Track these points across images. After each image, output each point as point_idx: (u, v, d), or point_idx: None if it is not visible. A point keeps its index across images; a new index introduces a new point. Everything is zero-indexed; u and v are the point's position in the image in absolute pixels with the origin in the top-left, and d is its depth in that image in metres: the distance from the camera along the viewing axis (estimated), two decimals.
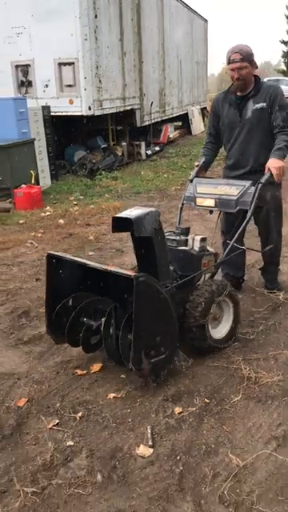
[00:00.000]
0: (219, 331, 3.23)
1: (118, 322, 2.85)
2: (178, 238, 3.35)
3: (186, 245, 3.34)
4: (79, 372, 3.06)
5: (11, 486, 2.18)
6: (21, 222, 6.98)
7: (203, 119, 19.39)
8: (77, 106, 9.79)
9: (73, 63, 9.60)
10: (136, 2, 11.74)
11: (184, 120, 18.16)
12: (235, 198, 3.42)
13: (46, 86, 9.91)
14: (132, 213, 2.81)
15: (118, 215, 2.86)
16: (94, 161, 10.60)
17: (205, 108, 20.98)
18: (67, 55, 9.54)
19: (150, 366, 2.68)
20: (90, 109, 9.79)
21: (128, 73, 11.54)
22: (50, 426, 2.56)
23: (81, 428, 2.54)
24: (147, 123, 13.13)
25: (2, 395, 2.85)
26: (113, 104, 10.79)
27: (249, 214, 3.39)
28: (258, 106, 3.62)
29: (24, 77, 10.08)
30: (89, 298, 3.05)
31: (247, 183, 3.44)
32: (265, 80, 3.69)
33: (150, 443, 2.40)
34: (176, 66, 16.00)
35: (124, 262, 5.13)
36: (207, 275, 3.35)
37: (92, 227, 6.66)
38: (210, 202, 3.57)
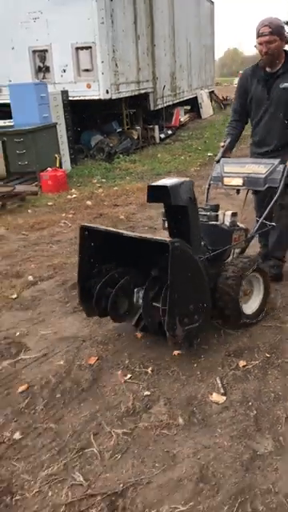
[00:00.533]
0: (250, 306, 3.26)
1: (151, 292, 2.87)
2: (208, 213, 3.37)
3: (216, 220, 3.37)
4: (139, 335, 3.24)
5: (101, 428, 2.38)
6: (49, 204, 7.14)
7: (211, 103, 19.42)
8: (94, 90, 9.89)
9: (90, 47, 9.68)
10: None
11: (193, 104, 18.19)
12: (264, 175, 3.44)
13: (64, 70, 10.00)
14: (167, 181, 2.81)
15: (153, 184, 2.86)
16: (111, 145, 10.72)
17: (212, 92, 21.00)
18: (84, 39, 9.62)
19: (184, 333, 2.70)
20: (107, 92, 9.89)
21: (142, 56, 11.61)
22: (124, 379, 2.75)
23: (153, 380, 2.73)
24: (160, 107, 13.20)
25: (71, 355, 3.05)
26: (128, 88, 10.88)
27: (278, 191, 3.38)
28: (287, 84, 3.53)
29: (41, 62, 10.17)
30: (120, 269, 3.05)
31: (276, 161, 3.47)
32: None
33: (222, 391, 2.59)
34: (185, 49, 16.01)
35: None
36: (237, 251, 3.40)
37: (120, 207, 6.82)
38: (238, 181, 3.58)
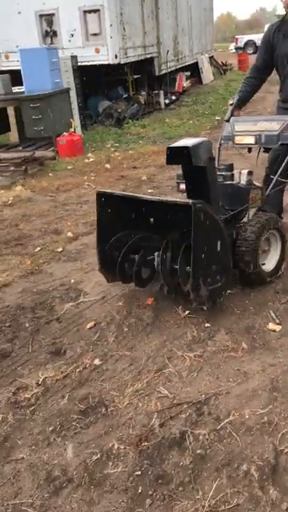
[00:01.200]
0: (268, 264, 3.31)
1: (173, 254, 2.91)
2: (224, 173, 3.33)
3: (232, 179, 3.34)
4: None
5: (173, 353, 2.65)
6: (69, 167, 7.29)
7: (211, 68, 19.30)
8: (103, 54, 9.90)
9: (98, 10, 9.65)
10: None
11: (193, 69, 18.07)
12: (277, 132, 3.40)
13: (72, 35, 9.98)
14: (188, 141, 2.80)
15: (173, 145, 2.84)
16: (119, 110, 10.78)
17: (212, 57, 20.81)
18: (92, 2, 9.58)
19: (208, 293, 2.78)
20: (116, 57, 9.91)
21: (147, 20, 11.55)
22: (184, 314, 3.01)
23: (211, 315, 2.99)
24: (164, 72, 13.17)
25: (129, 297, 3.28)
26: (135, 52, 10.88)
27: None
28: None
29: (48, 27, 10.13)
30: (139, 235, 3.06)
31: None
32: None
33: (277, 321, 2.86)
34: (186, 13, 15.82)
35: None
36: (253, 209, 3.37)
37: (139, 170, 6.98)
38: (250, 139, 3.53)
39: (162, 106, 12.87)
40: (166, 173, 6.60)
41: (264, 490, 1.81)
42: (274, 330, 2.79)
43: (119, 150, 8.38)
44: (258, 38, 35.01)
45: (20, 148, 7.87)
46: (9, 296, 3.48)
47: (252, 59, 23.30)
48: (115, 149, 8.46)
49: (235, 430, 2.09)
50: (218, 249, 2.82)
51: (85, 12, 9.72)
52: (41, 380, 2.54)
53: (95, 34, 9.86)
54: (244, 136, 3.57)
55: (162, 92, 12.97)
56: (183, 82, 15.48)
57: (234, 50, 34.53)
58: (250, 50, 30.91)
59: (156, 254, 3.00)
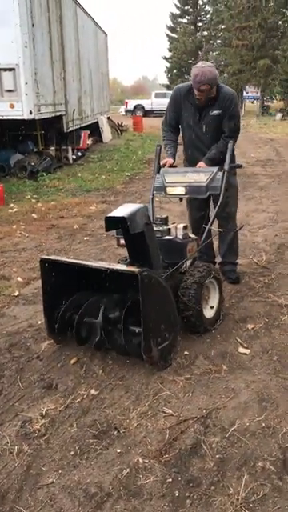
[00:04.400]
0: (208, 311, 3.46)
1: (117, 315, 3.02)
2: (160, 228, 3.45)
3: (169, 234, 3.48)
4: None
5: (164, 379, 2.90)
6: None
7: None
8: (18, 110, 10.16)
9: (13, 69, 9.99)
10: (59, 14, 12.39)
11: (92, 129, 18.96)
12: (205, 183, 3.64)
13: None
14: (123, 211, 2.86)
15: (110, 215, 2.89)
16: (32, 163, 11.01)
17: (109, 117, 22.01)
18: (8, 61, 9.92)
19: (159, 352, 2.86)
20: (31, 113, 10.22)
21: (56, 80, 12.12)
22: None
23: (186, 344, 3.28)
24: (71, 129, 13.75)
25: None
26: (47, 109, 11.31)
27: (221, 197, 3.61)
28: (216, 112, 3.90)
29: None
30: (86, 297, 3.14)
31: (214, 169, 3.67)
32: (221, 85, 3.94)
33: (245, 345, 3.25)
34: (88, 77, 16.80)
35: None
36: (189, 261, 3.53)
37: (67, 219, 7.23)
38: (181, 190, 3.75)
39: (71, 161, 13.34)
40: (95, 222, 6.93)
41: (283, 480, 2.11)
42: (245, 353, 3.17)
43: (41, 201, 8.56)
44: (146, 103, 37.85)
45: None
46: None
47: (145, 121, 25.03)
48: (36, 200, 8.62)
49: (242, 436, 2.38)
50: (165, 309, 2.94)
51: (0, 70, 10.00)
52: (44, 412, 2.63)
53: (10, 91, 10.15)
54: (175, 187, 3.79)
55: (70, 148, 13.48)
56: (87, 139, 16.18)
57: (124, 113, 36.80)
58: (139, 113, 33.10)
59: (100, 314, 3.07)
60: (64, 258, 3.24)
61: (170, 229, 3.50)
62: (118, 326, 2.96)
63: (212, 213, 3.95)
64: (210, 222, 3.80)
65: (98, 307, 3.10)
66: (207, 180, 3.64)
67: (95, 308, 3.10)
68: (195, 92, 3.82)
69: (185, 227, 3.49)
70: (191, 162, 4.15)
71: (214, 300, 3.53)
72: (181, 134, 4.22)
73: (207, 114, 3.95)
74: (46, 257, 3.15)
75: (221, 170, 3.66)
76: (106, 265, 3.03)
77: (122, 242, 3.29)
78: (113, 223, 2.92)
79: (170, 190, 3.79)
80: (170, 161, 4.01)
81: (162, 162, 4.02)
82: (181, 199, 4.04)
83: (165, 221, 3.56)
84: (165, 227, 3.49)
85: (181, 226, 3.48)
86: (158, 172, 3.92)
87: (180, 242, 3.43)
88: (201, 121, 3.99)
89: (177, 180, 3.77)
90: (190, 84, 3.89)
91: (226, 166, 3.65)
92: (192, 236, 3.58)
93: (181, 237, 3.45)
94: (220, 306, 3.58)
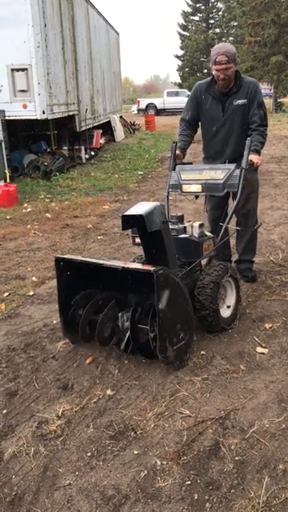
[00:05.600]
0: (225, 311, 3.42)
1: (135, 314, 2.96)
2: (176, 226, 3.41)
3: (185, 232, 3.43)
4: None
5: (180, 379, 2.85)
6: (8, 217, 7.33)
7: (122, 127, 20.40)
8: (31, 110, 10.19)
9: (26, 69, 10.02)
10: (71, 13, 12.40)
11: (104, 128, 18.96)
12: (222, 181, 3.55)
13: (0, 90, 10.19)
14: (140, 209, 2.86)
15: (127, 213, 2.92)
16: (45, 163, 11.03)
17: (121, 116, 22.01)
18: (20, 61, 9.95)
19: (174, 352, 2.85)
20: (43, 113, 10.24)
21: (69, 80, 12.13)
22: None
23: (202, 344, 3.24)
24: (84, 128, 13.75)
25: None
26: (60, 109, 11.32)
27: (238, 195, 3.52)
28: (240, 102, 3.83)
29: None
30: (103, 295, 3.13)
31: (231, 166, 3.60)
32: (243, 76, 3.90)
33: (264, 345, 3.19)
34: (100, 76, 16.81)
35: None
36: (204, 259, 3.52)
37: (81, 219, 7.22)
38: (197, 188, 3.66)
39: (84, 160, 13.35)
40: (109, 221, 6.91)
41: None
42: (263, 353, 3.11)
43: (54, 200, 8.56)
44: (158, 102, 37.78)
45: None
46: None
47: (157, 120, 24.95)
48: (50, 200, 8.63)
49: (262, 437, 2.33)
50: (181, 308, 2.91)
51: (13, 70, 10.03)
52: (60, 413, 2.60)
53: (23, 91, 10.17)
54: (191, 184, 3.70)
55: (83, 147, 13.49)
56: (100, 138, 16.17)
57: (136, 112, 36.77)
58: (151, 112, 33.00)
59: (120, 314, 3.08)
60: (79, 257, 3.21)
61: (185, 227, 3.45)
62: (141, 327, 2.93)
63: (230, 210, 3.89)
64: (226, 220, 3.75)
65: (116, 307, 3.08)
66: (224, 177, 3.56)
67: (113, 308, 3.07)
68: (213, 71, 3.77)
69: (201, 225, 3.44)
70: (215, 156, 4.06)
71: (230, 299, 3.49)
72: (200, 133, 4.17)
73: (231, 103, 3.88)
74: (61, 256, 3.14)
75: (239, 167, 3.57)
76: (121, 263, 2.98)
77: (138, 240, 3.28)
78: (129, 222, 2.93)
79: (185, 188, 3.73)
80: (178, 153, 3.94)
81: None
82: (196, 197, 3.96)
83: (180, 219, 3.52)
84: (180, 225, 3.44)
85: (197, 223, 3.43)
86: (174, 169, 3.85)
87: (196, 240, 3.38)
88: (224, 112, 3.92)
89: (193, 178, 3.71)
90: (210, 78, 3.91)
91: (244, 164, 3.55)
92: (208, 234, 3.55)
93: (197, 235, 3.40)
94: (237, 306, 3.53)
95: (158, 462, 2.21)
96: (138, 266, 3.03)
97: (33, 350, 3.31)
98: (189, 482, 2.09)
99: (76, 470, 2.21)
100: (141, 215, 2.80)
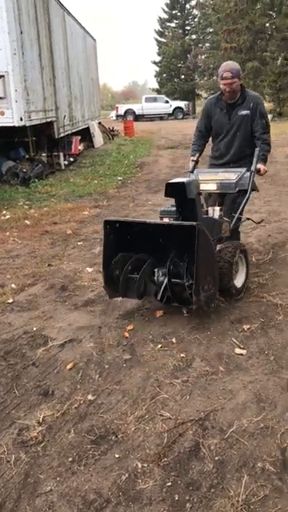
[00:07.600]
0: (237, 281, 3.97)
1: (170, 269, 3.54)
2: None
3: (207, 214, 4.16)
4: (158, 313, 3.77)
5: (161, 382, 2.88)
6: None
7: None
8: (8, 117, 10.15)
9: (3, 76, 9.98)
10: (47, 20, 12.41)
11: (84, 134, 18.97)
12: (234, 180, 4.23)
13: None
14: (182, 179, 3.67)
15: (171, 181, 3.71)
16: (24, 170, 10.99)
17: (100, 123, 22.04)
18: None
19: (204, 298, 3.38)
20: (21, 120, 10.21)
21: (46, 87, 12.12)
22: (157, 348, 3.26)
23: (181, 347, 3.28)
24: (62, 135, 13.73)
25: (97, 338, 3.46)
26: (38, 116, 11.30)
27: (247, 195, 4.20)
28: (244, 112, 4.40)
29: None
30: (140, 255, 3.70)
31: (243, 169, 4.28)
32: (247, 89, 4.53)
33: (242, 346, 3.23)
34: (78, 82, 16.82)
35: None
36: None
37: (60, 225, 7.20)
38: (213, 186, 4.30)
39: (63, 166, 13.34)
40: (88, 227, 6.92)
41: (283, 480, 2.09)
42: (242, 354, 3.16)
43: (33, 207, 8.53)
44: (136, 107, 37.96)
45: None
46: None
47: (136, 126, 25.03)
48: (29, 206, 8.60)
49: (241, 437, 2.36)
50: (211, 263, 3.48)
51: None
52: (41, 419, 2.60)
53: (0, 98, 10.13)
54: (207, 183, 4.29)
55: (61, 154, 13.47)
56: (79, 144, 16.17)
57: (115, 118, 36.85)
58: (130, 118, 33.09)
59: (156, 269, 3.65)
60: (125, 219, 4.04)
61: (207, 210, 4.18)
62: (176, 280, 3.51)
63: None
64: (239, 210, 4.23)
65: (153, 264, 3.66)
66: (236, 178, 4.20)
67: (150, 265, 3.65)
68: (221, 85, 4.35)
69: (220, 209, 4.15)
70: (219, 156, 4.62)
71: (242, 274, 4.06)
72: (211, 141, 4.79)
73: (236, 114, 4.43)
74: (109, 218, 3.79)
75: (249, 170, 4.20)
76: (166, 221, 3.71)
77: (166, 220, 3.87)
78: (172, 189, 3.64)
79: (202, 186, 4.18)
80: (192, 158, 4.66)
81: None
82: (210, 195, 4.47)
83: (202, 205, 4.17)
84: (204, 209, 4.13)
85: (217, 208, 4.18)
86: (192, 172, 4.54)
87: (217, 220, 4.07)
88: (231, 121, 4.46)
89: (210, 178, 4.33)
90: (219, 92, 4.54)
91: (253, 167, 4.18)
92: (225, 218, 4.16)
93: (217, 217, 4.10)
94: (245, 282, 4.09)
95: (139, 465, 2.23)
96: (182, 222, 3.71)
97: (13, 358, 3.30)
98: (169, 484, 2.11)
99: (57, 476, 2.21)
100: (183, 183, 3.58)
